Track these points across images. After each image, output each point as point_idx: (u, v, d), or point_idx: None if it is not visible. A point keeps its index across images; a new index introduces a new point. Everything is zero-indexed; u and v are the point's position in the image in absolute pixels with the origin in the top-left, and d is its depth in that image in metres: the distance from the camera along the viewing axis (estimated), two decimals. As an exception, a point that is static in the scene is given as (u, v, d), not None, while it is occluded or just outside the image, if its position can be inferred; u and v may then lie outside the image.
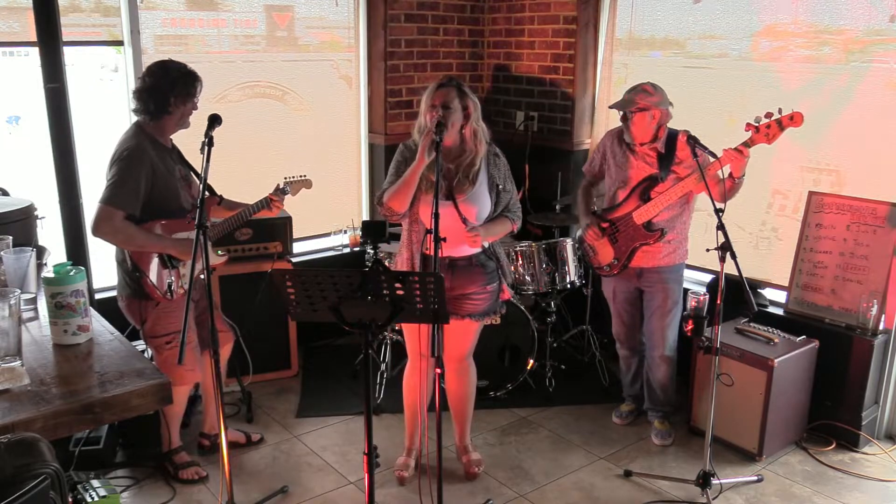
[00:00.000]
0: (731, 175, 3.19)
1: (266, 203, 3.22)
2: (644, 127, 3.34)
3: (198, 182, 3.16)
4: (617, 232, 3.53)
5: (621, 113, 3.41)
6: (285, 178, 3.33)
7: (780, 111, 3.02)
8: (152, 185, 2.90)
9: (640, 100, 3.30)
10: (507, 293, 3.22)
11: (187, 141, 3.07)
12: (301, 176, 3.38)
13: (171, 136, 3.06)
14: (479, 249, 3.04)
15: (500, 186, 3.05)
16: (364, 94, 4.80)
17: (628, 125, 3.38)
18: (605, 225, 3.55)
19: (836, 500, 3.18)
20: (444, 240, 2.63)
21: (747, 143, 3.09)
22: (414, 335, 3.13)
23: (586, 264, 3.79)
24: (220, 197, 3.21)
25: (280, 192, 3.26)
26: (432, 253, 2.56)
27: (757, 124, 3.05)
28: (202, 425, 3.49)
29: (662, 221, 3.42)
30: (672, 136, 3.38)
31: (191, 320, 3.12)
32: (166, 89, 2.90)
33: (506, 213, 3.09)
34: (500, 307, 3.21)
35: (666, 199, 3.35)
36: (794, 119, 3.00)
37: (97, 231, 2.83)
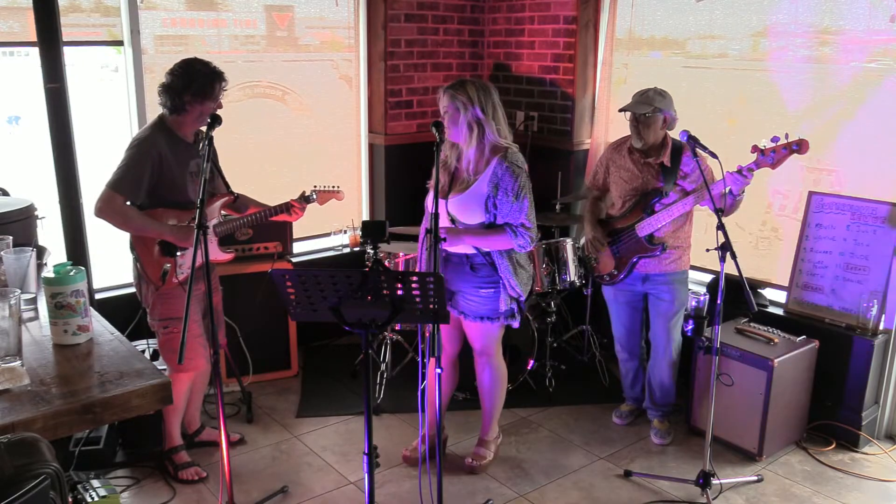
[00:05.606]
0: (730, 191, 3.15)
1: (286, 208, 3.19)
2: (654, 131, 3.35)
3: (220, 178, 3.22)
4: (619, 243, 3.52)
5: (629, 115, 3.38)
6: (314, 187, 3.25)
7: (786, 136, 3.00)
8: (158, 176, 2.97)
9: (649, 103, 3.30)
10: (516, 322, 3.13)
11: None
12: (333, 186, 3.29)
13: (195, 131, 3.07)
14: (472, 251, 3.03)
15: (494, 199, 2.93)
16: (364, 94, 4.80)
17: (637, 129, 3.37)
18: (609, 240, 3.55)
19: (836, 500, 3.18)
20: (444, 239, 2.65)
21: (751, 168, 3.08)
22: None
23: (586, 265, 3.78)
24: (236, 196, 3.21)
25: (304, 199, 3.22)
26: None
27: (763, 148, 3.04)
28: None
29: (665, 234, 3.42)
30: (677, 149, 3.37)
31: (197, 313, 3.14)
32: (181, 89, 2.94)
33: (508, 225, 2.97)
34: (502, 318, 3.10)
35: (669, 214, 3.34)
36: (801, 147, 2.99)
37: (98, 212, 2.92)
